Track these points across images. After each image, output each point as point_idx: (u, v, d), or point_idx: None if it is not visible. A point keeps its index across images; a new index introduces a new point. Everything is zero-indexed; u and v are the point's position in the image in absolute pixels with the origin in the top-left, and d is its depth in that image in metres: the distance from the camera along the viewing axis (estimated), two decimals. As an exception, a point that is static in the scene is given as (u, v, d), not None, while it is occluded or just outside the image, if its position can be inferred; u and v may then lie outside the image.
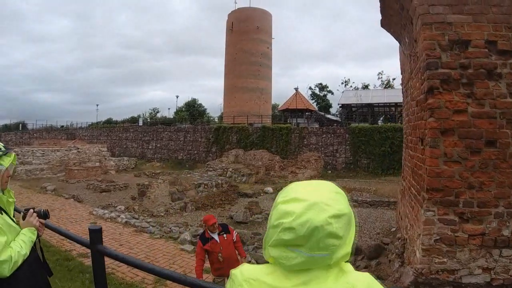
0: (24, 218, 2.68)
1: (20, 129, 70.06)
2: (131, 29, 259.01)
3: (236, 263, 5.38)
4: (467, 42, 4.77)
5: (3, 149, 2.52)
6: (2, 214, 2.51)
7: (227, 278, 3.90)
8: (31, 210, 2.70)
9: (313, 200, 1.14)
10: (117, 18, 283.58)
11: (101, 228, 2.97)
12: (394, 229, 11.20)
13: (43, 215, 2.75)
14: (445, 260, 4.76)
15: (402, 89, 8.17)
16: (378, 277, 6.88)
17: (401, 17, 6.11)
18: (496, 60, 4.68)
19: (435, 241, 4.73)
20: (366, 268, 7.59)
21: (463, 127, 4.63)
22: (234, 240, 5.80)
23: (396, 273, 6.34)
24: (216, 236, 5.61)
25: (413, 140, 6.06)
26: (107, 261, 8.10)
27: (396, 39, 7.38)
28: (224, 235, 5.65)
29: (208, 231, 5.66)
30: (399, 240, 7.01)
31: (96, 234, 2.93)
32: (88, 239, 2.94)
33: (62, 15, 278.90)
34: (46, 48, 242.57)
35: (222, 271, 5.57)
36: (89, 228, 2.97)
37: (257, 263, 8.02)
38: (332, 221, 1.11)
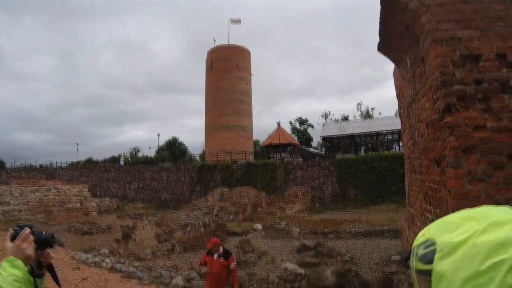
0: (13, 239, 1.60)
1: None
2: (113, 69, 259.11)
3: (220, 285, 6.89)
4: (478, 57, 4.58)
5: None
6: None
7: None
8: (27, 230, 1.62)
9: None
10: (99, 58, 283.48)
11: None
12: (394, 257, 10.83)
13: (44, 241, 1.66)
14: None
15: (401, 114, 7.94)
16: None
17: (403, 39, 5.92)
18: (507, 72, 4.51)
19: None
20: (377, 304, 7.13)
21: (484, 143, 4.36)
22: (231, 268, 6.87)
23: (411, 306, 5.90)
24: (215, 256, 6.89)
25: (424, 164, 5.75)
26: None
27: (395, 62, 7.18)
28: (221, 259, 6.84)
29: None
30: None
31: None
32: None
33: (45, 53, 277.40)
34: (27, 87, 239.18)
35: (208, 284, 7.04)
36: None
37: (259, 306, 7.51)
38: None
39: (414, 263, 0.86)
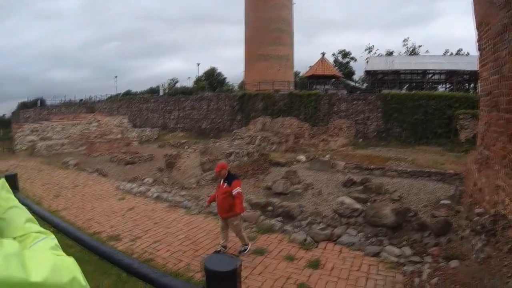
0: None
1: (39, 105, 69.66)
2: (146, 0, 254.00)
3: (227, 212, 6.68)
4: None
5: None
6: None
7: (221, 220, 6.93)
8: None
9: None
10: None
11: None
12: (444, 201, 10.46)
13: None
14: None
15: (481, 45, 7.20)
16: (452, 256, 6.17)
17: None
18: None
19: None
20: (436, 246, 6.85)
21: None
22: (233, 194, 6.57)
23: (480, 253, 5.60)
24: (221, 181, 6.82)
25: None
26: (143, 245, 7.37)
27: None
28: (225, 184, 6.70)
29: None
30: (483, 217, 6.21)
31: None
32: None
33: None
34: (58, 25, 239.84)
35: (217, 211, 7.03)
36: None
37: (314, 240, 7.33)
38: None
39: None
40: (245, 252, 6.77)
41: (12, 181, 2.05)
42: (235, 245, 7.26)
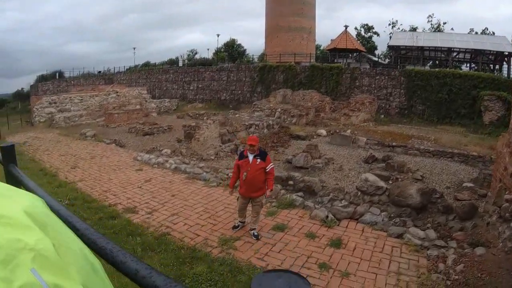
0: None
1: (57, 77, 69.44)
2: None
3: (257, 191, 6.27)
4: None
5: None
6: None
7: (240, 199, 6.44)
8: None
9: None
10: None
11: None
12: (466, 184, 10.23)
13: None
14: None
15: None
16: (478, 243, 5.97)
17: None
18: None
19: None
20: (461, 231, 6.65)
21: None
22: (267, 170, 6.26)
23: (508, 242, 5.42)
24: (251, 157, 6.25)
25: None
26: (160, 217, 7.20)
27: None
28: (258, 160, 6.21)
29: (247, 150, 6.37)
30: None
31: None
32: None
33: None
34: None
35: (242, 191, 6.39)
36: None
37: (335, 218, 7.19)
38: None
39: None
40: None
41: (9, 152, 2.01)
42: (261, 223, 7.00)
